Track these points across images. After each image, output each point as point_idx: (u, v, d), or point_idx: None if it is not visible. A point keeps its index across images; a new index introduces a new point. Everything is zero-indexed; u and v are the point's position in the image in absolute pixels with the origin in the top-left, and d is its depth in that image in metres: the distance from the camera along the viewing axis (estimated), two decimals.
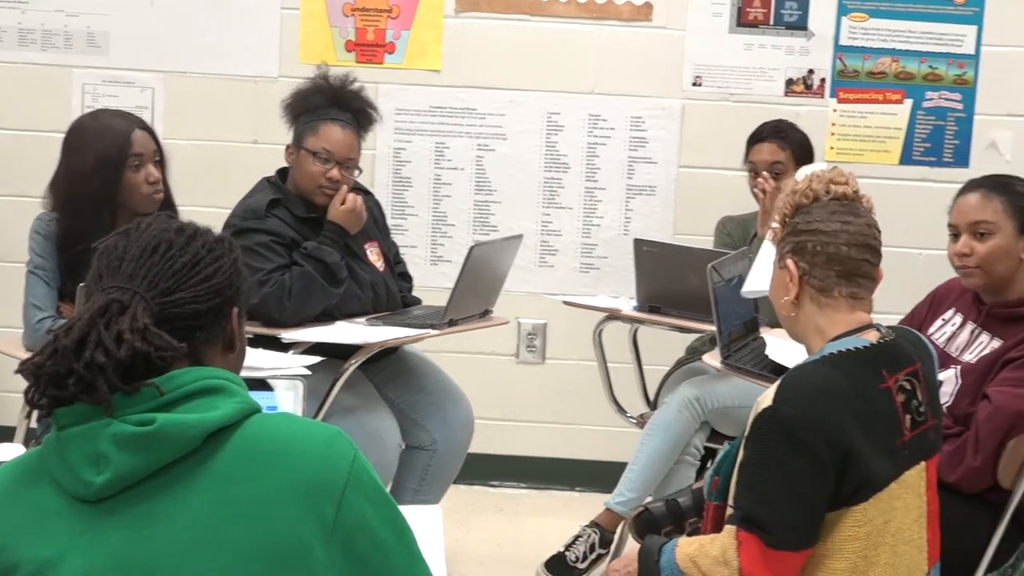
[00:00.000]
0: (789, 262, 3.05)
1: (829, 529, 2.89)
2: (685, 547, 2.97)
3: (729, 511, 2.96)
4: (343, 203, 4.70)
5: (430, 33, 6.08)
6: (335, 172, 4.70)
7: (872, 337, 3.02)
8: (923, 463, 3.00)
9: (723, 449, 3.18)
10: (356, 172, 4.79)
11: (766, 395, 2.90)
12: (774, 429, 2.84)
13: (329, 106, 4.76)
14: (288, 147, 4.78)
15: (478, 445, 5.09)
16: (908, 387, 3.00)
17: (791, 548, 2.86)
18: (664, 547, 3.01)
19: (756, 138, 5.33)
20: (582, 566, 4.83)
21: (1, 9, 6.07)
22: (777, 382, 2.92)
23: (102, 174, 4.29)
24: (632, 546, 3.16)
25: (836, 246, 3.03)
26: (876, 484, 2.88)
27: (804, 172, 3.22)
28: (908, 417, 2.97)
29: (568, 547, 4.86)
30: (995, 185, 4.01)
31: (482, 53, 6.09)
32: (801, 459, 2.82)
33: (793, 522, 2.85)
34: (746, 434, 2.91)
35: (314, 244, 4.62)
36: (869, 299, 3.09)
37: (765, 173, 5.22)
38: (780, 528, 2.84)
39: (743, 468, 2.90)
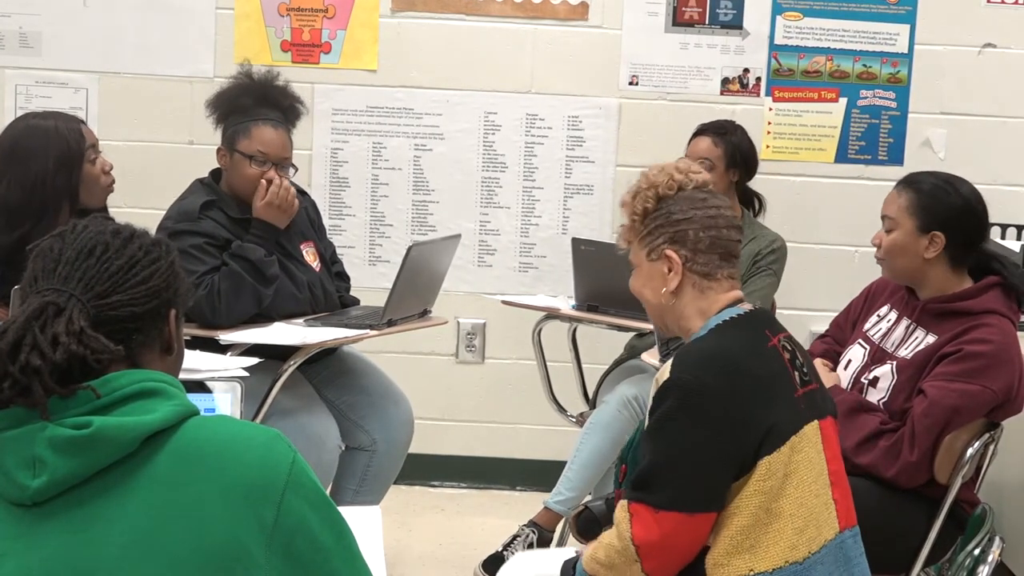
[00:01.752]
0: (670, 252, 3.06)
1: (735, 491, 2.91)
2: (588, 551, 3.03)
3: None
4: (262, 198, 4.66)
5: (366, 33, 6.07)
6: (272, 173, 4.68)
7: (744, 307, 3.07)
8: (817, 422, 3.03)
9: (628, 438, 3.23)
10: (292, 171, 4.78)
11: (663, 370, 2.94)
12: (671, 398, 2.88)
13: (258, 106, 4.73)
14: (220, 149, 4.74)
15: (418, 445, 5.09)
16: (789, 348, 3.05)
17: (682, 509, 2.87)
18: (576, 566, 3.07)
19: (696, 131, 5.35)
20: None
21: None
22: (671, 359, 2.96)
23: (64, 171, 4.28)
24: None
25: (717, 229, 3.07)
26: (781, 434, 2.92)
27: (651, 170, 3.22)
28: (796, 375, 3.02)
29: (506, 546, 4.87)
30: (909, 182, 4.06)
31: (418, 53, 6.09)
32: (694, 420, 2.86)
33: (684, 483, 2.87)
34: (648, 411, 2.96)
35: (239, 243, 4.59)
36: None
37: None
38: (667, 488, 2.87)
39: (643, 440, 2.95)
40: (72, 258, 2.03)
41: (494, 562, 4.85)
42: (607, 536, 2.97)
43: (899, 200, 4.02)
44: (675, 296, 3.08)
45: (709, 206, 3.09)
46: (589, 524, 3.32)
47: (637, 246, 3.12)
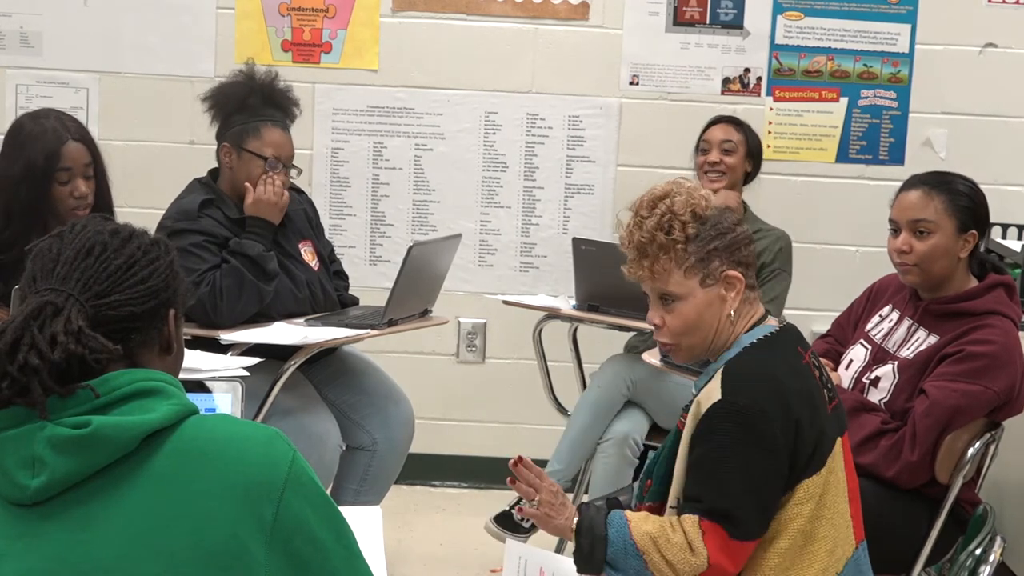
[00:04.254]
0: (734, 273, 3.00)
1: (776, 511, 2.91)
2: (640, 523, 2.95)
3: (671, 509, 2.97)
4: (251, 196, 4.67)
5: (367, 32, 6.06)
6: (282, 176, 4.69)
7: (773, 323, 3.05)
8: (839, 439, 3.03)
9: (653, 454, 3.18)
10: (296, 172, 4.78)
11: (709, 392, 2.91)
12: (730, 422, 2.85)
13: (264, 106, 4.73)
14: (224, 146, 4.73)
15: (419, 445, 5.08)
16: (816, 364, 3.04)
17: (753, 539, 2.88)
18: (611, 518, 2.99)
19: (711, 121, 5.35)
20: (526, 525, 4.82)
21: None
22: (717, 377, 2.92)
23: (29, 183, 4.24)
24: (566, 496, 3.14)
25: (751, 241, 3.04)
26: (822, 455, 2.91)
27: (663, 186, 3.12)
28: (825, 392, 3.01)
29: (512, 507, 4.87)
30: (937, 183, 4.02)
31: (419, 52, 6.08)
32: (760, 448, 2.84)
33: (755, 514, 2.87)
34: (695, 432, 2.92)
35: (237, 240, 4.60)
36: None
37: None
38: (744, 520, 2.86)
39: (702, 464, 2.90)
40: (71, 258, 2.03)
41: (505, 518, 4.85)
42: (669, 530, 2.90)
43: (933, 203, 3.97)
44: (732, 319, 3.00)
45: (735, 220, 3.04)
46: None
47: (683, 276, 2.98)
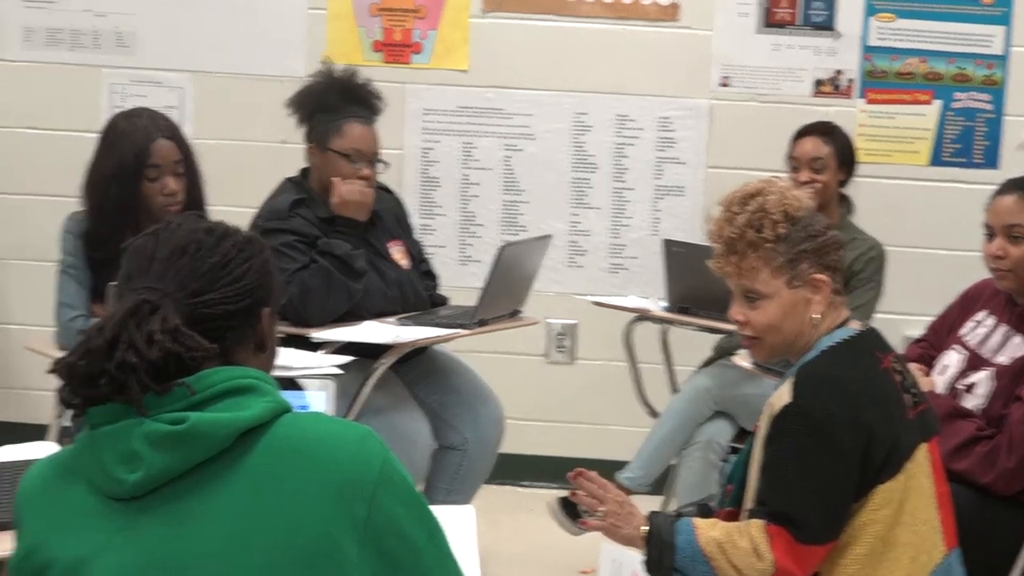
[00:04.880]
0: (821, 276, 2.98)
1: (850, 517, 2.88)
2: (707, 530, 2.94)
3: (745, 512, 2.95)
4: (336, 196, 4.69)
5: (457, 33, 6.07)
6: (367, 171, 4.71)
7: (855, 326, 3.02)
8: (925, 444, 2.99)
9: (734, 458, 3.17)
10: (383, 166, 4.79)
11: (780, 394, 2.90)
12: (798, 425, 2.84)
13: (345, 103, 4.76)
14: (310, 147, 4.77)
15: (508, 445, 5.09)
16: (899, 368, 3.00)
17: (820, 543, 2.86)
18: (678, 525, 2.97)
19: (800, 133, 5.30)
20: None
21: (30, 9, 6.08)
22: (788, 380, 2.91)
23: (120, 180, 4.30)
24: (633, 505, 3.12)
25: (840, 246, 3.02)
26: (897, 461, 2.89)
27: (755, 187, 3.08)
28: (907, 396, 2.97)
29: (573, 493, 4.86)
30: None
31: (509, 53, 6.08)
32: (827, 452, 2.83)
33: (822, 517, 2.86)
34: (766, 435, 2.91)
35: (325, 240, 4.62)
36: None
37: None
38: (810, 524, 2.85)
39: (769, 467, 2.89)
40: (166, 256, 2.05)
41: (569, 503, 4.85)
42: (736, 535, 2.89)
43: None
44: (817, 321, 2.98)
45: (826, 223, 3.02)
46: None
47: (770, 275, 2.97)
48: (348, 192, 4.67)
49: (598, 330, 6.08)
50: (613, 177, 6.12)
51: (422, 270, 5.03)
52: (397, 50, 6.09)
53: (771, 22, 6.03)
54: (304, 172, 4.84)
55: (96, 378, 1.94)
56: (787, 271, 2.96)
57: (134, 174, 4.30)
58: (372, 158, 4.74)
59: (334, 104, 4.75)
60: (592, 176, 6.12)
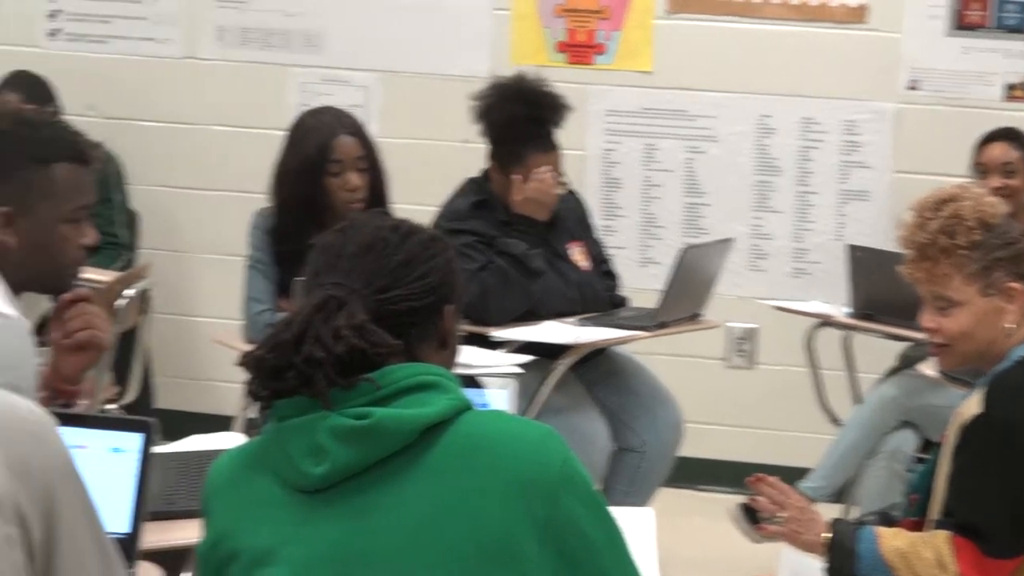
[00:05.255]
0: (1015, 285, 2.92)
1: None
2: (891, 539, 2.90)
3: (931, 523, 2.90)
4: (518, 194, 4.70)
5: (641, 34, 6.06)
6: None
7: None
8: None
9: (920, 468, 3.12)
10: (562, 188, 4.80)
11: (969, 404, 2.84)
12: (988, 436, 2.79)
13: (529, 125, 4.74)
14: (493, 165, 4.78)
15: (685, 448, 5.07)
16: None
17: (1008, 556, 2.80)
18: (860, 533, 2.93)
19: (986, 138, 5.20)
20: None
21: (223, 9, 6.21)
22: (979, 390, 2.85)
23: (303, 176, 4.37)
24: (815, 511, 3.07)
25: None
26: None
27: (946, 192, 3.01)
28: None
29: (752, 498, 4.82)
30: None
31: (693, 54, 6.05)
32: (1019, 464, 2.77)
33: (1011, 530, 2.80)
34: (955, 445, 2.86)
35: (503, 239, 4.65)
36: None
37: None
38: (998, 537, 2.79)
39: (957, 478, 2.84)
40: (353, 253, 2.07)
41: (749, 510, 4.80)
42: (920, 546, 2.85)
43: None
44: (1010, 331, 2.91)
45: (1021, 231, 2.96)
46: None
47: (962, 282, 2.91)
48: (532, 190, 4.69)
49: (779, 335, 6.02)
50: (797, 181, 6.05)
51: (602, 270, 5.04)
52: (580, 51, 6.09)
53: (962, 24, 5.91)
54: (486, 173, 4.87)
55: (283, 372, 1.97)
56: (980, 279, 2.90)
57: (317, 169, 4.37)
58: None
59: (518, 135, 4.74)
60: (775, 179, 6.07)
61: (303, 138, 4.45)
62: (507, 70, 5.72)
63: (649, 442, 4.83)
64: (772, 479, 3.09)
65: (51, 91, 5.86)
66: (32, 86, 5.81)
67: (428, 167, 6.04)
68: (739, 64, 6.04)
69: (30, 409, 1.96)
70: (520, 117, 4.74)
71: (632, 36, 6.06)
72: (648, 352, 5.24)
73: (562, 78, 5.01)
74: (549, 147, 4.76)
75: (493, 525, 1.92)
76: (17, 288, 2.82)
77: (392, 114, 6.15)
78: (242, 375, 2.07)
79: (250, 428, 4.25)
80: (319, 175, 4.37)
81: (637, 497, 4.79)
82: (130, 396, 5.03)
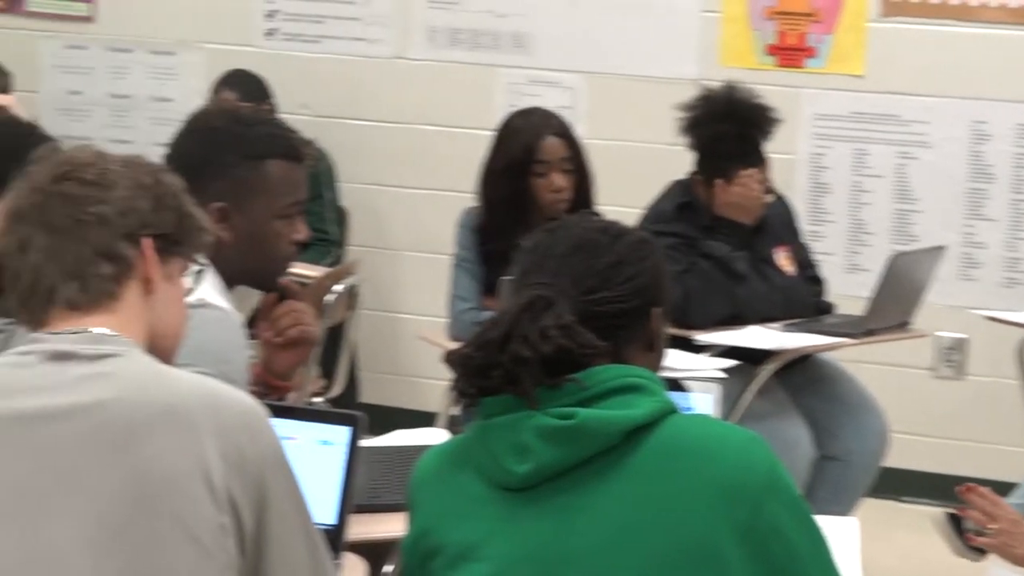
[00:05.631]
0: None
1: None
2: None
3: None
4: (726, 197, 4.67)
5: (853, 37, 5.97)
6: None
7: None
8: None
9: None
10: (772, 197, 4.76)
11: None
12: None
13: (739, 143, 4.70)
14: (697, 176, 4.75)
15: (890, 458, 4.99)
16: None
17: None
18: None
19: None
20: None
21: (435, 10, 6.28)
22: None
23: (509, 176, 4.42)
24: None
25: None
26: None
27: None
28: None
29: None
30: None
31: (906, 58, 5.94)
32: None
33: None
34: None
35: (706, 242, 4.62)
36: None
37: None
38: None
39: None
40: (562, 253, 2.08)
41: (955, 519, 4.71)
42: None
43: None
44: None
45: None
46: None
47: None
48: (735, 194, 4.66)
49: (990, 346, 5.89)
50: (1012, 188, 5.91)
51: (808, 275, 4.99)
52: (791, 54, 6.03)
53: None
54: (694, 175, 4.85)
55: (490, 370, 1.99)
56: None
57: (523, 169, 4.42)
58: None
59: (728, 152, 4.71)
60: (989, 186, 5.93)
61: (510, 138, 4.51)
62: (715, 73, 5.70)
63: (853, 451, 4.76)
64: (983, 489, 3.03)
65: (267, 89, 6.00)
66: (248, 84, 5.95)
67: (634, 169, 6.03)
68: (953, 68, 5.92)
69: (243, 400, 2.00)
70: (729, 135, 4.70)
71: (844, 39, 5.98)
72: (854, 360, 5.17)
73: (771, 81, 4.97)
74: (757, 162, 4.72)
75: (696, 529, 1.92)
76: (230, 282, 2.89)
77: (599, 115, 6.16)
78: (446, 372, 2.09)
79: (453, 425, 4.29)
80: (525, 175, 4.42)
81: (839, 506, 4.72)
82: (336, 390, 5.12)
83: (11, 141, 3.26)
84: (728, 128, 4.71)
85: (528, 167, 4.44)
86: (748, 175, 4.66)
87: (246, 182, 2.88)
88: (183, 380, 1.98)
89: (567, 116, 4.91)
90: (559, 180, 4.44)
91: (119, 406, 1.92)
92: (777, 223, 4.91)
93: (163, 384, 1.96)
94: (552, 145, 4.47)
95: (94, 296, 2.01)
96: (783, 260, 4.86)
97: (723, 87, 4.81)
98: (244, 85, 5.92)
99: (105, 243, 2.02)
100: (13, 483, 1.90)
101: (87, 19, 6.65)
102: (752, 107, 4.75)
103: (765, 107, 4.76)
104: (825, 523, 2.08)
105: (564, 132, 4.56)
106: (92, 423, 1.91)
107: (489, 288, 4.52)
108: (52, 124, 5.79)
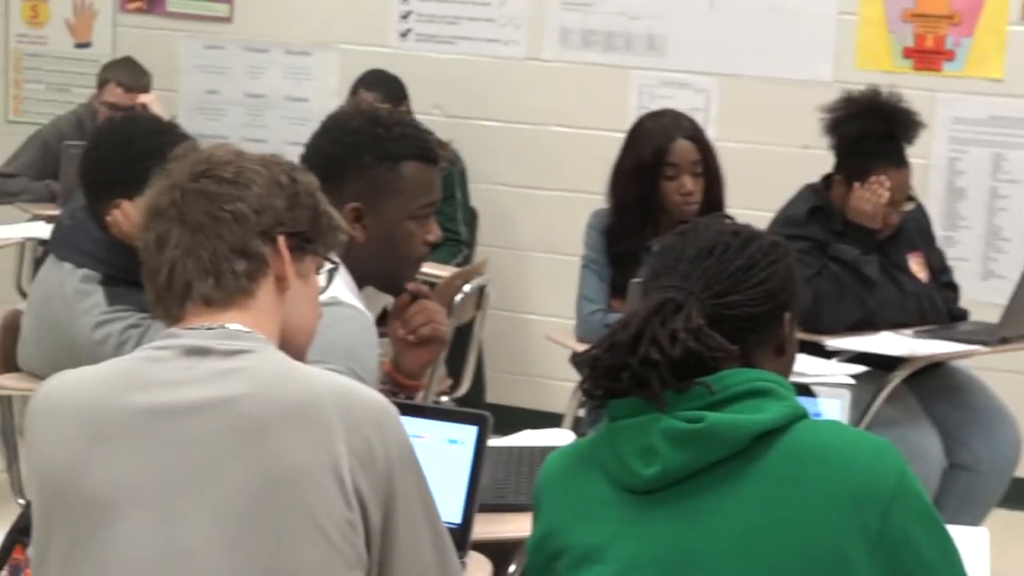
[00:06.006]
0: None
1: None
2: None
3: None
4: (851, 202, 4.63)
5: (992, 40, 5.89)
6: (893, 217, 4.63)
7: None
8: None
9: None
10: (912, 205, 4.71)
11: None
12: None
13: (880, 141, 4.66)
14: (838, 177, 4.72)
15: (1021, 468, 4.91)
16: None
17: None
18: None
19: None
20: None
21: (569, 11, 6.28)
22: None
23: (638, 178, 4.43)
24: None
25: None
26: None
27: None
28: None
29: None
30: None
31: None
32: None
33: None
34: None
35: (835, 245, 4.58)
36: None
37: None
38: None
39: None
40: (693, 256, 2.08)
41: None
42: None
43: None
44: None
45: None
46: None
47: None
48: (857, 199, 4.61)
49: None
50: None
51: (942, 282, 4.93)
52: (928, 57, 5.96)
53: None
54: (826, 179, 4.81)
55: (619, 372, 1.99)
56: None
57: (652, 172, 4.43)
58: (900, 202, 4.66)
59: (868, 148, 4.66)
60: None
61: (640, 140, 4.52)
62: (850, 76, 5.65)
63: (984, 460, 4.70)
64: None
65: (405, 90, 6.04)
66: (387, 85, 6.00)
67: (766, 172, 5.99)
68: None
69: (374, 398, 2.02)
70: (874, 133, 4.66)
71: (983, 42, 5.90)
72: (987, 368, 5.10)
73: (907, 84, 4.91)
74: (900, 163, 4.67)
75: (823, 536, 1.90)
76: (361, 282, 2.92)
77: (731, 118, 6.13)
78: (573, 373, 2.10)
79: (577, 427, 4.30)
80: (654, 178, 4.43)
81: (969, 516, 4.66)
82: (463, 389, 5.15)
83: (151, 139, 3.34)
84: (874, 125, 4.67)
85: (658, 170, 4.45)
86: (879, 181, 4.61)
87: (382, 183, 2.91)
88: (315, 377, 2.00)
89: (699, 118, 4.90)
90: (688, 183, 4.45)
91: (252, 401, 1.95)
92: (912, 229, 4.86)
93: (296, 380, 1.98)
94: (682, 148, 4.47)
95: (229, 292, 2.05)
96: (915, 266, 4.81)
97: (868, 89, 4.77)
98: (383, 85, 5.98)
99: (241, 240, 2.05)
100: (149, 476, 1.94)
101: (225, 19, 6.75)
102: (899, 109, 4.71)
103: (911, 111, 4.72)
104: (954, 533, 2.05)
105: (695, 135, 4.56)
106: (226, 418, 1.94)
107: (617, 290, 4.53)
108: (189, 123, 5.91)
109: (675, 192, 4.46)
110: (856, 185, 4.63)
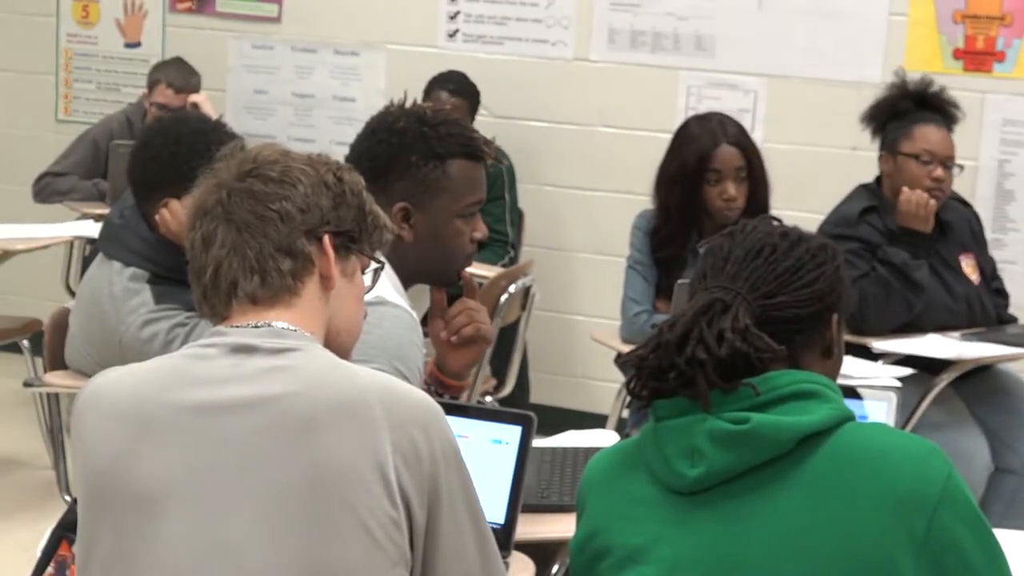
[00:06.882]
0: None
1: None
2: None
3: None
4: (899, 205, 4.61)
5: None
6: (939, 172, 4.61)
7: None
8: None
9: None
10: (957, 170, 4.68)
11: None
12: None
13: (917, 109, 4.68)
14: (882, 155, 4.72)
15: None
16: None
17: None
18: None
19: None
20: None
21: (616, 12, 6.28)
22: None
23: (682, 182, 4.43)
24: None
25: None
26: None
27: None
28: None
29: None
30: None
31: None
32: None
33: None
34: None
35: (884, 248, 4.56)
36: None
37: None
38: None
39: None
40: (740, 257, 2.07)
41: None
42: None
43: None
44: None
45: None
46: None
47: None
48: (904, 201, 4.60)
49: None
50: None
51: (993, 287, 4.90)
52: (979, 58, 5.93)
53: None
54: (879, 180, 4.80)
55: (665, 372, 1.99)
56: None
57: (695, 177, 4.43)
58: (945, 161, 4.64)
59: (905, 111, 4.69)
60: None
61: (685, 145, 4.51)
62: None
63: None
64: None
65: (478, 91, 6.08)
66: (461, 85, 6.04)
67: (814, 174, 5.97)
68: None
69: (420, 397, 2.03)
70: (911, 97, 4.71)
71: None
72: None
73: (957, 86, 4.88)
74: (939, 122, 4.65)
75: (869, 539, 1.90)
76: (407, 281, 2.92)
77: (779, 119, 6.11)
78: (617, 374, 2.11)
79: (622, 428, 4.30)
80: (697, 182, 4.43)
81: (1015, 521, 4.62)
82: (507, 389, 5.15)
83: (198, 139, 3.36)
84: (906, 93, 4.72)
85: (701, 175, 4.45)
86: (918, 185, 4.58)
87: (429, 182, 2.92)
88: (361, 375, 2.01)
89: (746, 119, 4.89)
90: (731, 189, 4.44)
91: (298, 399, 1.95)
92: (964, 230, 4.85)
93: (341, 379, 1.99)
94: (726, 154, 4.46)
95: (275, 291, 2.05)
96: (967, 268, 4.79)
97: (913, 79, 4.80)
98: (457, 86, 6.02)
99: (286, 239, 2.06)
100: (195, 472, 1.95)
101: (274, 20, 6.78)
102: (934, 93, 4.71)
103: (949, 99, 4.72)
104: (1000, 537, 2.04)
105: (740, 141, 4.55)
106: (272, 415, 1.95)
107: (662, 291, 4.52)
108: (237, 122, 5.95)
109: (718, 197, 4.45)
110: (904, 190, 4.61)
